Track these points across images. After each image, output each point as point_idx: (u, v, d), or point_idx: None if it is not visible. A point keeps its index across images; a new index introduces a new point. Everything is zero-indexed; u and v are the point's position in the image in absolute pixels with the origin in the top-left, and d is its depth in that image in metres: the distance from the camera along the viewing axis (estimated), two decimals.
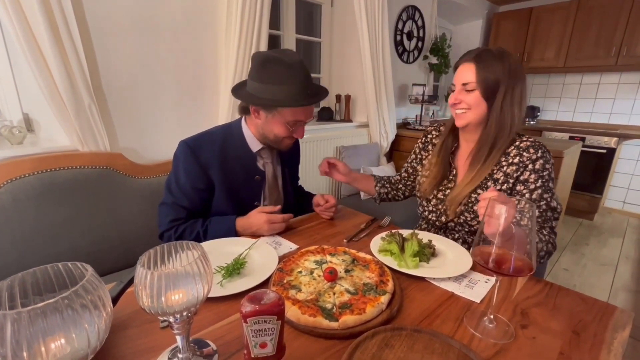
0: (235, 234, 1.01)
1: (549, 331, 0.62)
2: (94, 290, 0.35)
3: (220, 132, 1.10)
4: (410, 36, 3.03)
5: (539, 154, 0.90)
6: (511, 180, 0.94)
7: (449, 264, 0.84)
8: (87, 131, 1.31)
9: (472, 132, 0.99)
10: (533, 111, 3.92)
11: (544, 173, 0.89)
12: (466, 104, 0.93)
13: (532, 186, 0.90)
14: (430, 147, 1.16)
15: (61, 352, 0.32)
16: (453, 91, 0.97)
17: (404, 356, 0.53)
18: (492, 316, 0.63)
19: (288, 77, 0.94)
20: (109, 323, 0.38)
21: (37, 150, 1.26)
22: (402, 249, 0.85)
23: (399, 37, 2.91)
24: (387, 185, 1.26)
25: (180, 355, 0.52)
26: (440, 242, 0.94)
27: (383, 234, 0.94)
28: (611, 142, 3.14)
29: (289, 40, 2.40)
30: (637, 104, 3.36)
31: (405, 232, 0.94)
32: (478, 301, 0.70)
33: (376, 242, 0.92)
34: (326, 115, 2.66)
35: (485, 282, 0.77)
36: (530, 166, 0.91)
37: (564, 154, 2.19)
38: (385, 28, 2.49)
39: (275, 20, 2.31)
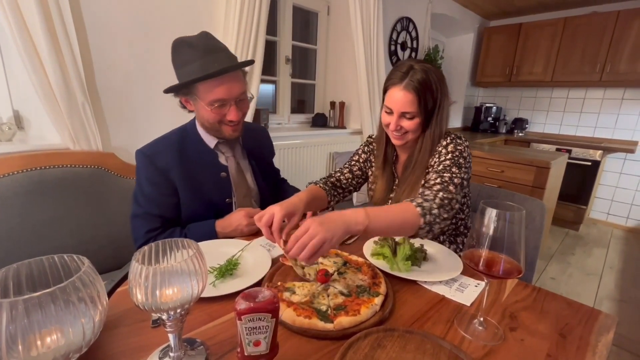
0: (215, 236, 0.99)
1: (536, 334, 0.63)
2: (90, 283, 0.35)
3: (176, 135, 1.07)
4: (404, 47, 3.09)
5: (448, 140, 0.97)
6: (430, 169, 0.98)
7: (440, 268, 0.85)
8: (79, 130, 1.29)
9: (408, 145, 1.03)
10: (522, 123, 4.03)
11: (456, 153, 0.93)
12: (406, 129, 0.96)
13: (443, 158, 0.94)
14: (372, 157, 1.17)
15: (56, 344, 0.32)
16: (388, 113, 0.97)
17: (396, 356, 0.53)
18: (481, 319, 0.64)
19: (190, 54, 0.91)
20: (104, 317, 0.37)
21: (26, 147, 1.24)
22: (394, 253, 0.86)
23: (393, 47, 2.97)
24: (340, 191, 1.14)
25: (171, 354, 0.52)
26: (431, 246, 0.96)
27: (376, 238, 0.94)
28: (596, 154, 3.24)
29: (285, 46, 2.43)
30: (620, 118, 3.48)
31: (398, 237, 0.95)
32: (468, 304, 0.71)
33: (369, 246, 0.93)
34: (320, 122, 2.68)
35: (475, 286, 0.79)
36: (443, 150, 0.96)
37: (551, 165, 2.25)
38: (380, 38, 2.54)
39: (272, 26, 2.33)
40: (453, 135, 0.98)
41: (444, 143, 0.97)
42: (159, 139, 1.06)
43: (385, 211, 0.76)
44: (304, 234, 0.65)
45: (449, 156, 0.93)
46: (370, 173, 1.16)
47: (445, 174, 0.89)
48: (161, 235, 0.98)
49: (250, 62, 1.05)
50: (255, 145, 1.22)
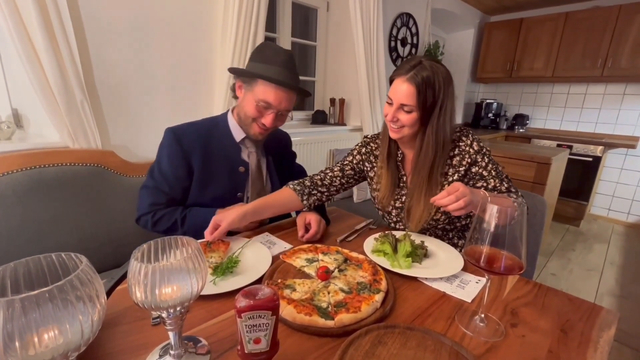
0: None
1: (538, 330, 0.63)
2: (88, 281, 0.34)
3: (206, 122, 1.14)
4: (404, 42, 3.07)
5: (471, 138, 1.01)
6: (462, 169, 1.00)
7: (441, 265, 0.85)
8: (78, 128, 1.29)
9: (408, 142, 1.03)
10: (522, 119, 4.01)
11: (484, 150, 1.00)
12: (402, 122, 0.95)
13: (483, 163, 0.99)
14: (372, 158, 1.13)
15: (54, 343, 0.31)
16: (389, 103, 0.97)
17: (397, 353, 0.53)
18: (482, 315, 0.64)
19: (271, 58, 1.03)
20: (103, 315, 0.37)
21: (25, 146, 1.23)
22: (395, 250, 0.86)
23: (393, 43, 2.95)
24: (323, 190, 1.10)
25: (172, 352, 0.52)
26: (432, 243, 0.95)
27: (376, 235, 0.94)
28: (597, 150, 3.23)
29: (285, 42, 2.41)
30: (621, 114, 3.47)
31: (398, 233, 0.95)
32: (469, 301, 0.71)
33: (369, 243, 0.93)
34: (320, 119, 2.67)
35: (476, 282, 0.78)
36: (471, 150, 0.99)
37: (552, 160, 2.24)
38: (380, 34, 2.52)
39: (271, 23, 2.32)
40: (471, 131, 1.03)
41: (468, 142, 1.00)
42: (190, 122, 1.13)
43: (498, 197, 0.89)
44: (455, 190, 0.77)
45: (486, 159, 0.98)
46: (372, 174, 1.13)
47: (502, 176, 0.98)
48: (162, 211, 1.05)
49: (309, 94, 1.16)
50: (278, 149, 1.28)
